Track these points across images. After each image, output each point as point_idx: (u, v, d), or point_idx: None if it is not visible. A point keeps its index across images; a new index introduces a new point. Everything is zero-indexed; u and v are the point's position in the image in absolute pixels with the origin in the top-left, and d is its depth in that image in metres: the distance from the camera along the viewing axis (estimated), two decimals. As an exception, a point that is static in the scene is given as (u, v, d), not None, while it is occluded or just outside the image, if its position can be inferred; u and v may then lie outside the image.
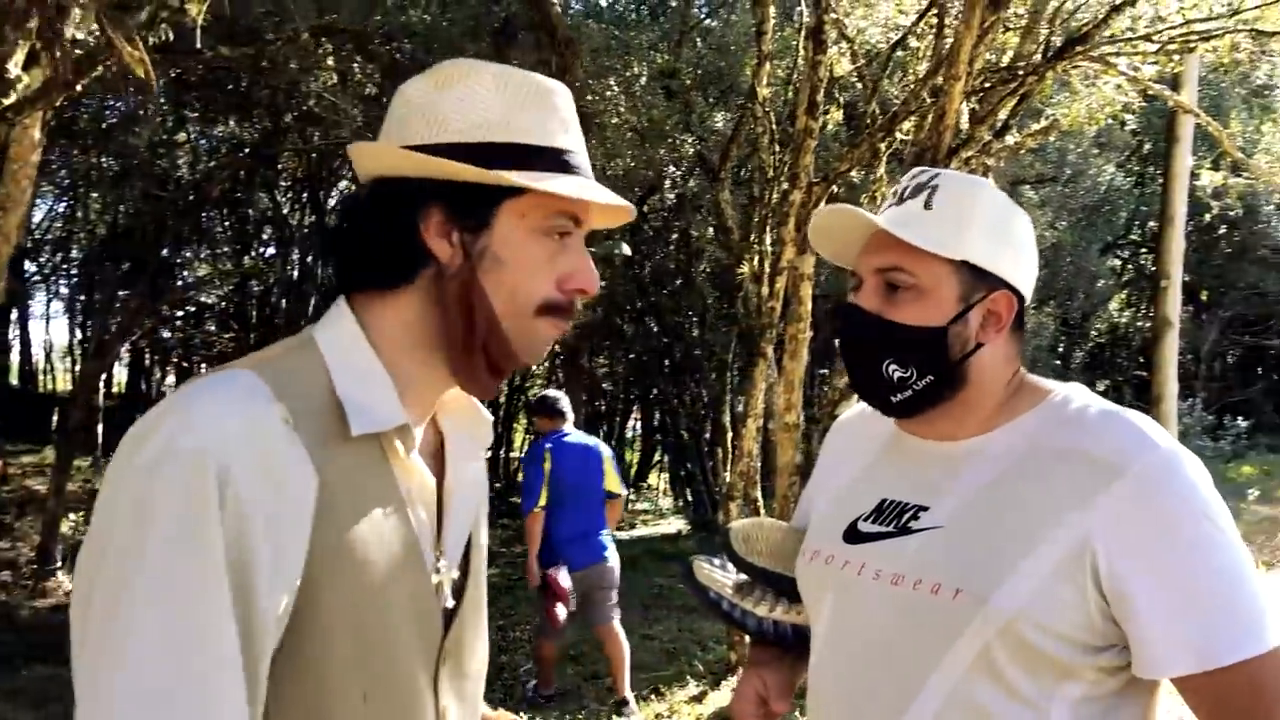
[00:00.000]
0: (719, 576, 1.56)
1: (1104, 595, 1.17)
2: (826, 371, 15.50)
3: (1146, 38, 5.57)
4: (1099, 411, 1.28)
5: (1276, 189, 7.55)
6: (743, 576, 1.54)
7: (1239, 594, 1.15)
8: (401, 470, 1.09)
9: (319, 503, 0.98)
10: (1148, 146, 16.46)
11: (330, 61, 9.02)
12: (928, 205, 1.32)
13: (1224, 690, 1.15)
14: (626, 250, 9.16)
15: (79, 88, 3.60)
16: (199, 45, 3.67)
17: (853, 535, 1.37)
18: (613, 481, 5.89)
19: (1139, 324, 18.10)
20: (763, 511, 6.22)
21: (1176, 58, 6.00)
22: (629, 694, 5.74)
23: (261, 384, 0.99)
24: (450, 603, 1.14)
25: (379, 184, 1.09)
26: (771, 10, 6.46)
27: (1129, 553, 1.16)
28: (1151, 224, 16.36)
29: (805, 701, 1.46)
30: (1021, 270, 1.35)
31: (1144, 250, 17.63)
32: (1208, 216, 10.23)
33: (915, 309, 1.30)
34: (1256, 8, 5.27)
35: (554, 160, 1.10)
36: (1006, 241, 1.33)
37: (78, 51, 3.52)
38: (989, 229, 1.32)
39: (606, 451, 5.99)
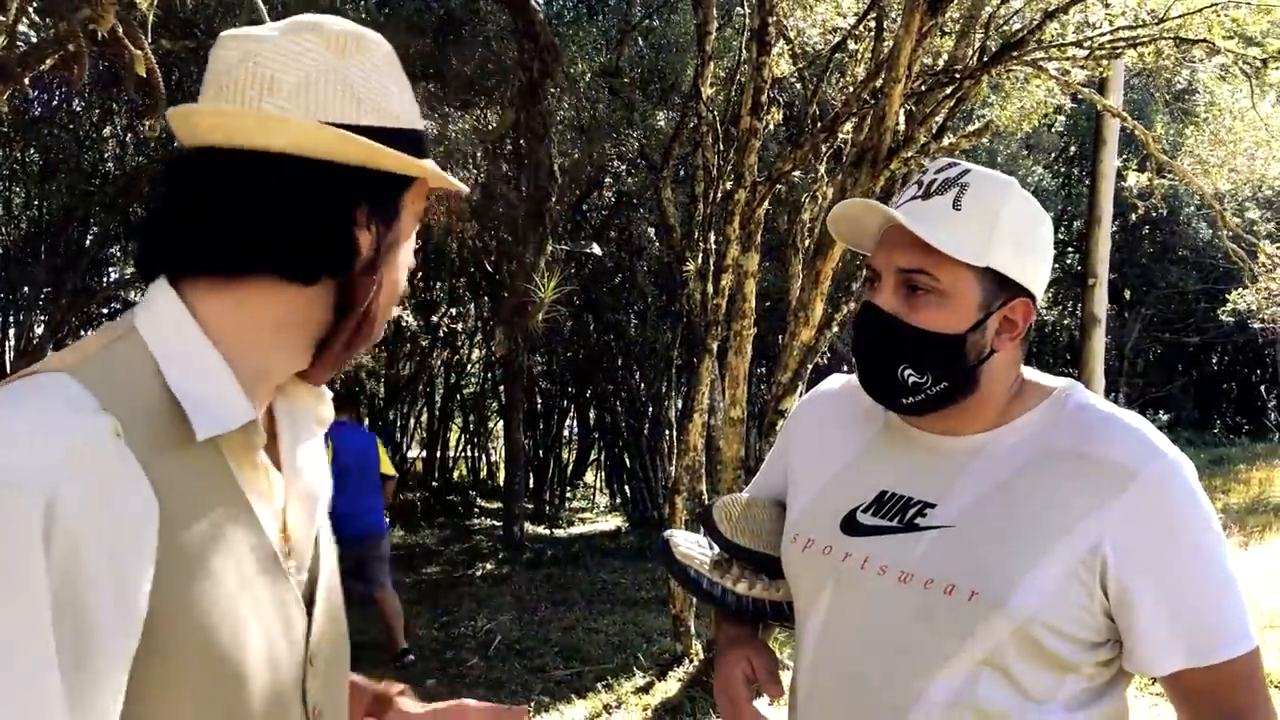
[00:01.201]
0: (695, 553, 1.54)
1: (1108, 595, 1.20)
2: (763, 370, 15.68)
3: (1077, 44, 5.75)
4: (1104, 415, 1.28)
5: (1198, 191, 7.81)
6: (719, 552, 1.51)
7: (1228, 596, 1.20)
8: (248, 471, 0.98)
9: (161, 525, 0.87)
10: (1074, 149, 16.88)
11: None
12: (956, 205, 1.27)
13: (1210, 686, 1.20)
14: (597, 249, 9.18)
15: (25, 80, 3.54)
16: (148, 39, 3.62)
17: (851, 527, 1.34)
18: (386, 465, 6.76)
19: (1065, 321, 18.56)
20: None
21: (1104, 63, 6.19)
22: (405, 644, 6.57)
23: (83, 391, 0.87)
24: (306, 606, 1.04)
25: (292, 163, 0.96)
26: (714, 11, 6.55)
27: (1135, 556, 1.19)
28: (1077, 224, 16.80)
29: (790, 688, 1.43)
30: (1040, 277, 1.32)
31: (1070, 249, 18.07)
32: (1133, 217, 10.55)
33: (936, 314, 1.27)
34: (1180, 17, 5.47)
35: (425, 143, 1.06)
36: (1030, 248, 1.30)
37: (22, 45, 3.48)
38: (1015, 236, 1.28)
39: (379, 440, 6.87)
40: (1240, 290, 9.26)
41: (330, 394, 1.16)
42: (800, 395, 5.78)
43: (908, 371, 1.28)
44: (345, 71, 0.99)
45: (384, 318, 1.06)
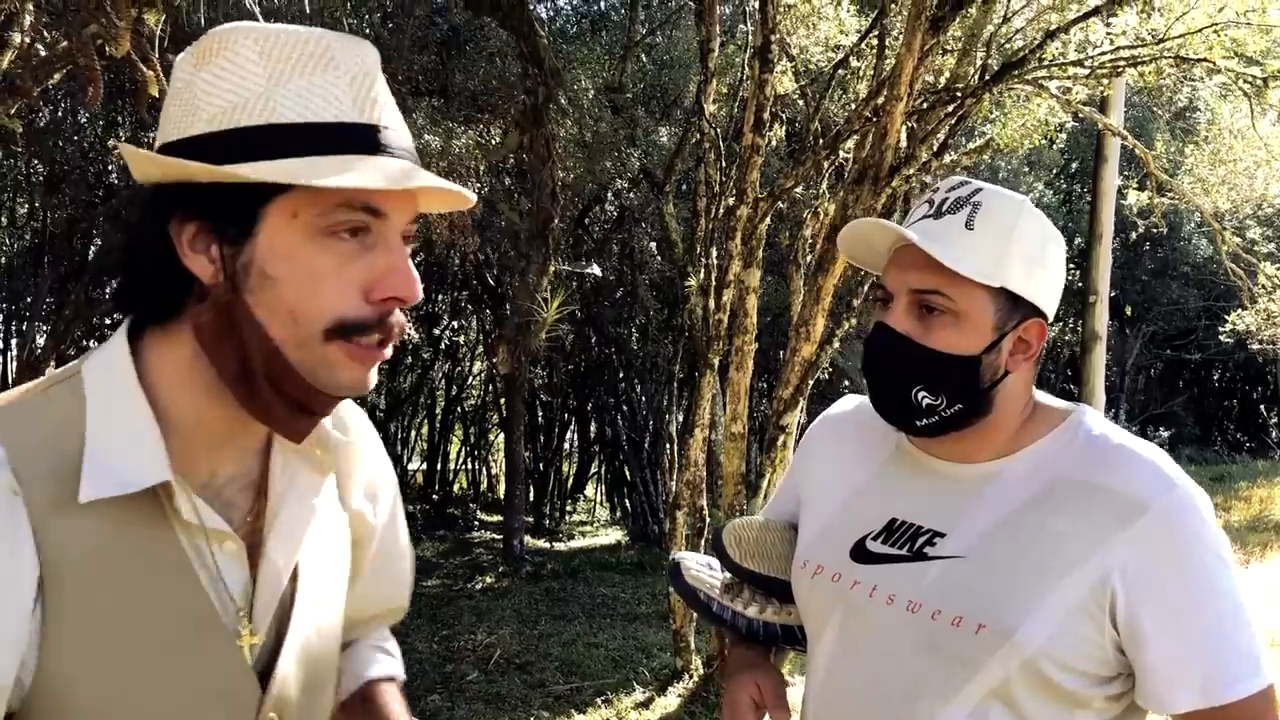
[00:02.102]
0: (705, 576, 1.53)
1: (1118, 629, 1.18)
2: (765, 385, 15.67)
3: (1078, 63, 5.78)
4: (1117, 444, 1.25)
5: (1198, 209, 7.84)
6: (729, 576, 1.51)
7: (1242, 633, 1.17)
8: (182, 521, 0.91)
9: (48, 589, 0.83)
10: (1075, 166, 16.91)
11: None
12: (969, 225, 1.25)
13: None
14: (597, 270, 9.17)
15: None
16: (155, 54, 3.64)
17: (861, 554, 1.33)
18: None
19: (1066, 337, 18.56)
20: (708, 520, 6.31)
21: (1105, 82, 6.22)
22: None
23: None
24: (264, 672, 0.97)
25: (139, 194, 0.90)
26: (717, 28, 6.58)
27: (1147, 590, 1.17)
28: (1078, 240, 16.82)
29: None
30: (1053, 296, 1.31)
31: (1072, 266, 18.09)
32: (1134, 234, 10.56)
33: (950, 335, 1.25)
34: (1180, 36, 5.50)
35: (331, 139, 0.88)
36: (1042, 267, 1.29)
37: (36, 58, 3.51)
38: (1028, 255, 1.27)
39: None
40: (1240, 311, 9.27)
41: (343, 438, 1.07)
42: (801, 411, 5.79)
43: (921, 393, 1.26)
44: (193, 81, 0.88)
45: (299, 350, 0.90)
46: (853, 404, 1.54)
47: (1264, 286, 8.02)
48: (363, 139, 0.88)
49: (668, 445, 11.04)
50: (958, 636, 1.21)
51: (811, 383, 5.59)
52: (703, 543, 6.23)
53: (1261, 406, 22.25)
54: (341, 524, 1.12)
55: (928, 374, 1.26)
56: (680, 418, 10.71)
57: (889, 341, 1.28)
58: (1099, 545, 1.18)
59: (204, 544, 0.93)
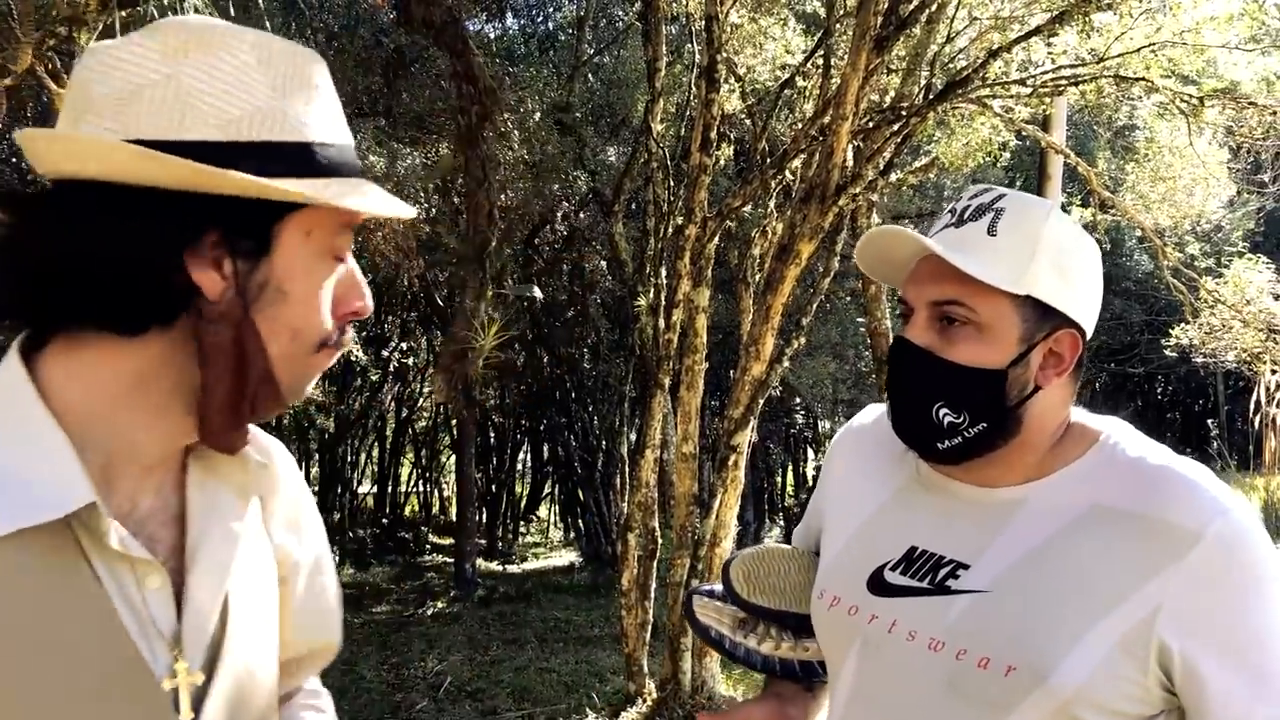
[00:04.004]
0: (717, 612, 1.44)
1: (1165, 669, 1.07)
2: (716, 404, 15.68)
3: (1020, 81, 5.84)
4: (1160, 465, 1.15)
5: (1139, 225, 7.96)
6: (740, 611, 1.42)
7: None
8: (111, 559, 0.84)
9: None
10: (1019, 184, 17.16)
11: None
12: (991, 231, 1.17)
13: None
14: (537, 292, 9.12)
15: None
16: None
17: (879, 586, 1.23)
18: None
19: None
20: (660, 541, 6.27)
21: (1047, 100, 6.29)
22: None
23: None
24: (194, 706, 0.90)
25: (106, 192, 0.81)
26: (664, 48, 6.59)
27: (1200, 628, 1.06)
28: (1023, 257, 17.06)
29: None
30: (1087, 306, 1.20)
31: (1017, 282, 18.30)
32: (1077, 251, 10.73)
33: (973, 348, 1.16)
34: (1119, 56, 5.58)
35: (346, 159, 0.89)
36: (1074, 274, 1.18)
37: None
38: (1056, 261, 1.16)
39: None
40: (1183, 326, 9.43)
41: (265, 461, 1.02)
42: (753, 430, 5.76)
43: (943, 410, 1.16)
44: (177, 77, 0.82)
45: (288, 366, 0.90)
46: (874, 415, 1.43)
47: (1205, 301, 8.15)
48: (353, 160, 0.91)
49: (620, 465, 11.00)
50: (985, 679, 1.11)
51: (762, 401, 5.58)
52: (654, 564, 6.18)
53: (1205, 419, 22.67)
54: (268, 553, 1.05)
55: (949, 389, 1.16)
56: (633, 437, 10.67)
57: (908, 356, 1.19)
58: (1143, 578, 1.07)
59: (129, 579, 0.86)
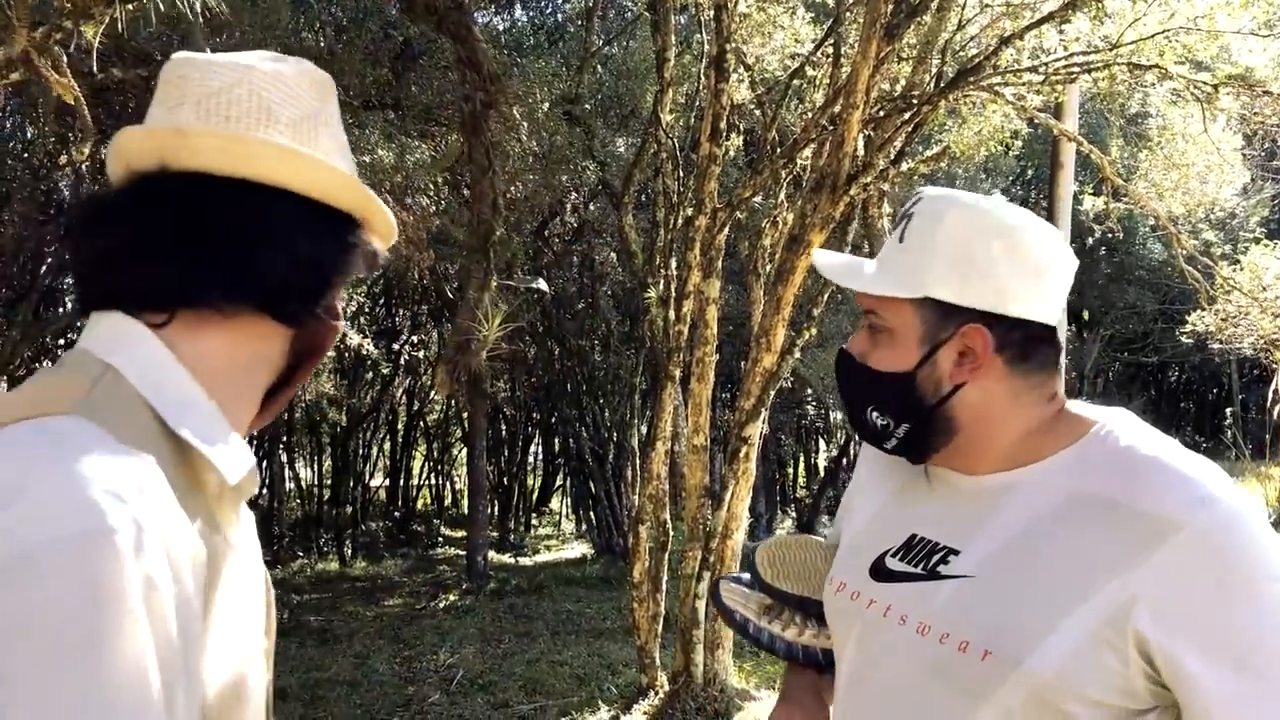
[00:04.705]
0: (744, 598, 1.48)
1: (1151, 663, 1.05)
2: (727, 396, 15.66)
3: (1032, 69, 5.80)
4: (1148, 455, 1.12)
5: (1153, 213, 7.90)
6: (766, 596, 1.46)
7: None
8: (235, 522, 0.93)
9: (207, 575, 0.82)
10: (1031, 172, 17.08)
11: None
12: (901, 238, 1.21)
13: None
14: (545, 286, 9.11)
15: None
16: (94, 69, 3.54)
17: (880, 572, 1.27)
18: None
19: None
20: (671, 534, 6.25)
21: (1059, 88, 6.25)
22: None
23: (103, 433, 0.78)
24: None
25: (295, 200, 0.92)
26: (672, 38, 6.55)
27: (1181, 622, 1.03)
28: (1036, 246, 16.95)
29: None
30: (1016, 295, 1.17)
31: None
32: (1090, 240, 10.63)
33: (886, 353, 1.21)
34: (1133, 42, 5.53)
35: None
36: (979, 267, 1.17)
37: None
38: (954, 257, 1.17)
39: None
40: (1200, 313, 9.36)
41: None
42: (764, 421, 5.74)
43: (874, 414, 1.24)
44: (328, 116, 0.97)
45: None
46: None
47: (1221, 288, 8.09)
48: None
49: (632, 457, 10.99)
50: (964, 662, 1.12)
51: (774, 393, 5.55)
52: (666, 556, 6.17)
53: (1219, 408, 22.56)
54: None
55: (873, 394, 1.24)
56: (644, 430, 10.66)
57: (843, 364, 1.28)
58: (1122, 569, 1.05)
59: (243, 533, 0.96)
